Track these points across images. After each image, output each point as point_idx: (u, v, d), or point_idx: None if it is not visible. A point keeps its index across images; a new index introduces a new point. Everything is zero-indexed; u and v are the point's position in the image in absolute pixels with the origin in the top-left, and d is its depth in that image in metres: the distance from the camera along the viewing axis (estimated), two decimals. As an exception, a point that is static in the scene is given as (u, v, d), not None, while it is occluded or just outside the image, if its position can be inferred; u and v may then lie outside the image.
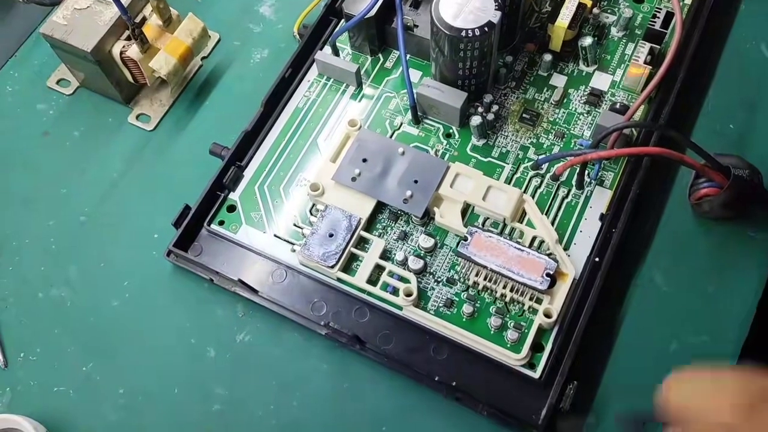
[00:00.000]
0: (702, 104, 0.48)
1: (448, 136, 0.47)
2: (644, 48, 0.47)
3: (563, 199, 0.45)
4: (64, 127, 0.51)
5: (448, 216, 0.44)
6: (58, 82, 0.53)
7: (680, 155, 0.41)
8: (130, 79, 0.50)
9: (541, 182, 0.45)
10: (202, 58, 0.54)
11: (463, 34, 0.42)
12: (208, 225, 0.45)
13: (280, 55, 0.53)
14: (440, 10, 0.42)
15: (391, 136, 0.48)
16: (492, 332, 0.41)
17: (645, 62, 0.47)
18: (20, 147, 0.51)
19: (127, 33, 0.47)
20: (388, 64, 0.50)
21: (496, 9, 0.42)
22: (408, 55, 0.48)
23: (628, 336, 0.42)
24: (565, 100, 0.48)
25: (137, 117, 0.51)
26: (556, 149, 0.46)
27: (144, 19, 0.48)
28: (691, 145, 0.41)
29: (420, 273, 0.43)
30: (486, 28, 0.42)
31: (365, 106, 0.49)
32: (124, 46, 0.47)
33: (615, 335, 0.42)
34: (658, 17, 0.48)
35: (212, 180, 0.46)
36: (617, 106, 0.46)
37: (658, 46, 0.47)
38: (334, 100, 0.49)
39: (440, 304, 0.42)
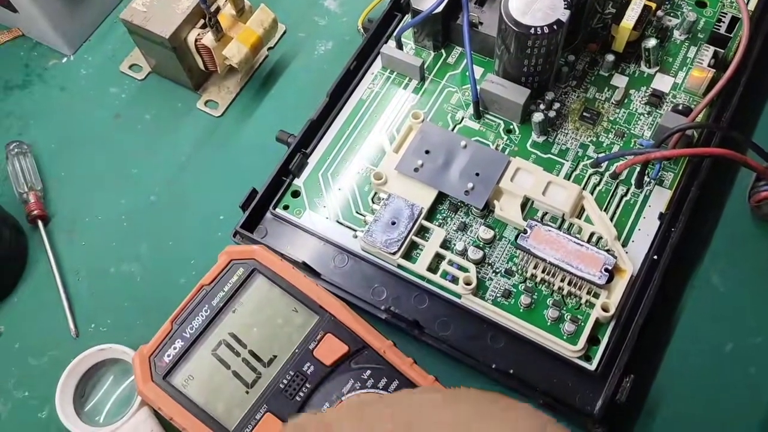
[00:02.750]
0: (764, 107, 0.49)
1: (508, 131, 0.48)
2: (708, 51, 0.47)
3: (622, 197, 0.45)
4: (136, 111, 0.53)
5: (508, 209, 0.45)
6: (130, 67, 0.55)
7: (743, 157, 0.41)
8: (201, 66, 0.52)
9: (600, 180, 0.46)
10: (268, 49, 0.55)
11: (532, 31, 0.43)
12: (273, 209, 0.47)
13: (344, 48, 0.54)
14: (509, 6, 0.43)
15: (452, 130, 0.49)
16: (549, 324, 0.42)
17: (708, 65, 0.47)
18: (94, 128, 0.53)
19: (202, 21, 0.49)
20: (451, 60, 0.52)
21: (565, 8, 0.43)
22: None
23: (684, 335, 0.43)
24: (625, 101, 0.48)
25: (205, 103, 0.53)
26: (615, 148, 0.47)
27: (218, 9, 0.50)
28: (753, 147, 0.42)
29: (479, 263, 0.44)
30: (555, 26, 0.43)
31: (427, 100, 0.50)
32: (199, 34, 0.49)
33: (671, 333, 0.43)
34: (723, 21, 0.48)
35: (279, 165, 0.47)
36: (679, 107, 0.47)
37: (722, 50, 0.48)
38: (396, 93, 0.51)
39: (498, 294, 0.43)
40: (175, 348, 0.38)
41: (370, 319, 0.44)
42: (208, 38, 0.49)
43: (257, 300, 0.39)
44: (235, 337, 0.38)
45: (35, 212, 0.48)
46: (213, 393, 0.37)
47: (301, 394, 0.36)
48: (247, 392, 0.37)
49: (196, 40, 0.49)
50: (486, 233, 0.44)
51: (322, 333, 0.38)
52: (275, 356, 0.38)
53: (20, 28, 0.57)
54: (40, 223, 0.48)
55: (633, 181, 0.45)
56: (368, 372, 0.37)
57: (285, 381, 0.36)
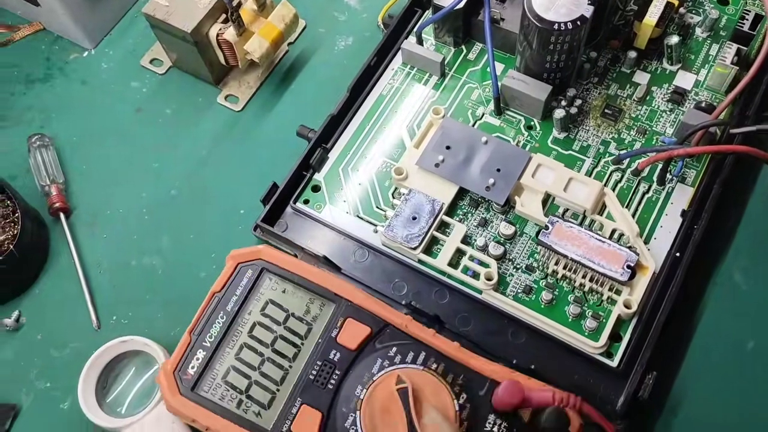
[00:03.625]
0: (787, 106, 0.48)
1: (529, 128, 0.48)
2: (731, 49, 0.47)
3: (644, 194, 0.45)
4: (156, 105, 0.53)
5: (529, 205, 0.45)
6: (151, 62, 0.55)
7: (766, 154, 0.41)
8: (222, 60, 0.52)
9: (622, 177, 0.46)
10: (289, 44, 0.55)
11: (555, 27, 0.43)
12: (294, 203, 0.47)
13: (364, 44, 0.54)
14: (533, 2, 0.43)
15: (472, 126, 0.49)
16: (570, 320, 0.42)
17: (731, 63, 0.47)
18: (115, 122, 0.53)
19: (224, 16, 0.49)
20: (471, 56, 0.52)
21: (588, 4, 0.43)
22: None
23: (706, 332, 0.43)
24: (647, 98, 0.48)
25: (226, 98, 0.53)
26: (637, 145, 0.47)
27: (240, 3, 0.50)
28: (777, 145, 0.42)
29: (500, 259, 0.44)
30: (578, 22, 0.43)
31: (447, 96, 0.50)
32: (220, 29, 0.49)
33: (693, 330, 0.43)
34: (747, 19, 0.48)
35: (299, 160, 0.47)
36: (702, 104, 0.47)
37: (745, 48, 0.48)
38: (417, 89, 0.51)
39: (519, 290, 0.43)
40: (197, 359, 0.38)
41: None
42: (230, 33, 0.49)
43: (271, 298, 0.39)
44: (256, 338, 0.38)
45: (57, 205, 0.48)
46: (244, 396, 0.37)
47: (333, 381, 0.36)
48: (278, 389, 0.37)
49: (217, 35, 0.49)
50: (507, 229, 0.44)
51: (342, 319, 0.38)
52: (299, 350, 0.38)
53: (41, 22, 0.57)
54: (62, 216, 0.48)
55: (655, 178, 0.45)
56: (394, 349, 0.37)
57: (314, 372, 0.37)
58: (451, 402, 0.35)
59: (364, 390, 0.36)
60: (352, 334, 0.37)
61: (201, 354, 0.38)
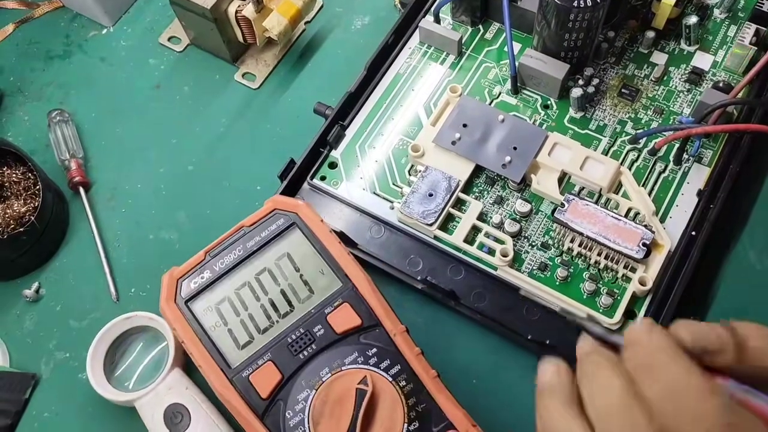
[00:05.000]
0: (805, 88, 0.48)
1: (545, 107, 0.48)
2: (750, 29, 0.47)
3: (660, 173, 0.45)
4: (175, 82, 0.54)
5: (545, 183, 0.45)
6: (169, 39, 0.56)
7: (785, 134, 0.41)
8: (240, 38, 0.52)
9: (638, 156, 0.46)
10: (306, 23, 0.56)
11: (575, 4, 0.43)
12: (311, 179, 0.47)
13: (380, 24, 0.55)
14: (552, -20, 0.43)
15: (489, 105, 0.49)
16: (585, 296, 0.42)
17: (750, 43, 0.47)
18: (133, 99, 0.53)
19: (243, -7, 0.50)
20: (488, 35, 0.52)
21: (608, -19, 0.43)
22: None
23: (720, 310, 0.43)
24: (665, 78, 0.48)
25: (243, 75, 0.54)
26: (654, 125, 0.47)
27: (259, -19, 0.50)
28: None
29: (515, 236, 0.44)
30: (598, 0, 0.43)
31: (464, 75, 0.50)
32: (239, 6, 0.50)
33: (707, 309, 0.43)
34: (767, -1, 0.48)
35: (317, 136, 0.47)
36: (720, 84, 0.46)
37: (764, 28, 0.47)
38: (433, 68, 0.51)
39: (534, 267, 0.43)
40: (202, 277, 0.38)
41: (406, 289, 0.44)
42: (249, 10, 0.49)
43: (289, 252, 0.39)
44: (260, 282, 0.39)
45: (77, 179, 0.49)
46: (226, 328, 0.37)
47: (306, 353, 0.36)
48: (257, 337, 0.37)
49: (236, 12, 0.50)
50: (523, 206, 0.45)
51: (341, 301, 0.38)
52: (291, 310, 0.38)
53: None
54: (81, 190, 0.49)
55: (671, 158, 0.45)
56: (374, 350, 0.36)
57: (294, 336, 0.37)
58: (401, 424, 0.35)
59: (330, 374, 0.36)
60: (343, 318, 0.37)
61: (207, 275, 0.38)
